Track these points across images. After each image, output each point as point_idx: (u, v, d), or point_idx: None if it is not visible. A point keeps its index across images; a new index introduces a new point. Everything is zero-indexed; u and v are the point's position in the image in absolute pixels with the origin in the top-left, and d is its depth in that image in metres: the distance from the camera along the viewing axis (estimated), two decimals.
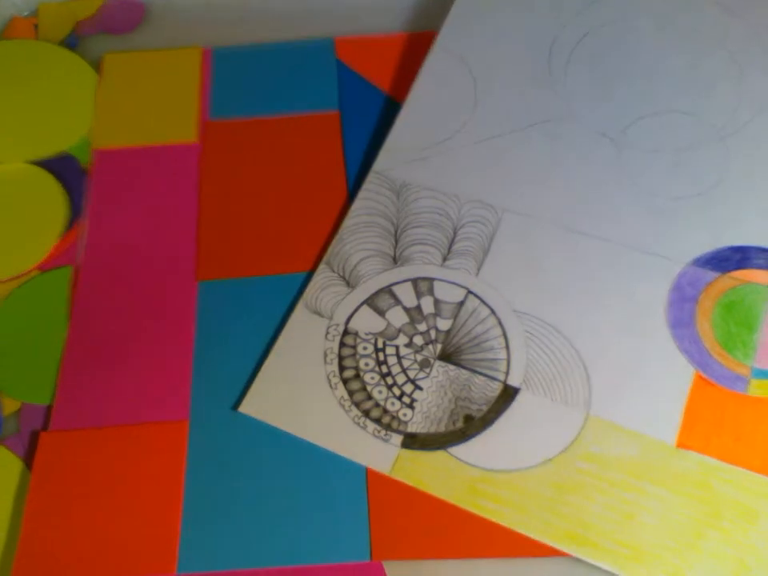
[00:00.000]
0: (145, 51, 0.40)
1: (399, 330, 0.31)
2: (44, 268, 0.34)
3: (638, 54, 0.37)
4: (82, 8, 0.42)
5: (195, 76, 0.39)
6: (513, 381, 0.30)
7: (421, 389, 0.30)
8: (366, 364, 0.31)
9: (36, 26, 0.41)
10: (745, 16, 0.37)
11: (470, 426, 0.29)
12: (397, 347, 0.31)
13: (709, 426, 0.29)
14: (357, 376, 0.30)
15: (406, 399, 0.30)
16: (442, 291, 0.32)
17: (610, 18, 0.38)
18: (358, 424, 0.29)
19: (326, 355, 0.31)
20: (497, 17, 0.38)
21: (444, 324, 0.31)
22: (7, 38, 0.41)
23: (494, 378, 0.30)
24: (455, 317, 0.31)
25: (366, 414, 0.30)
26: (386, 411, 0.30)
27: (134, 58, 0.40)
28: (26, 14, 0.42)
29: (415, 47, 0.38)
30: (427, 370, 0.30)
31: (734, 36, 0.37)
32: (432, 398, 0.30)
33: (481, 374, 0.30)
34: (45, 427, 0.30)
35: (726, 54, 0.36)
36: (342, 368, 0.31)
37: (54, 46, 0.40)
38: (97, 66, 0.40)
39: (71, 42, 0.41)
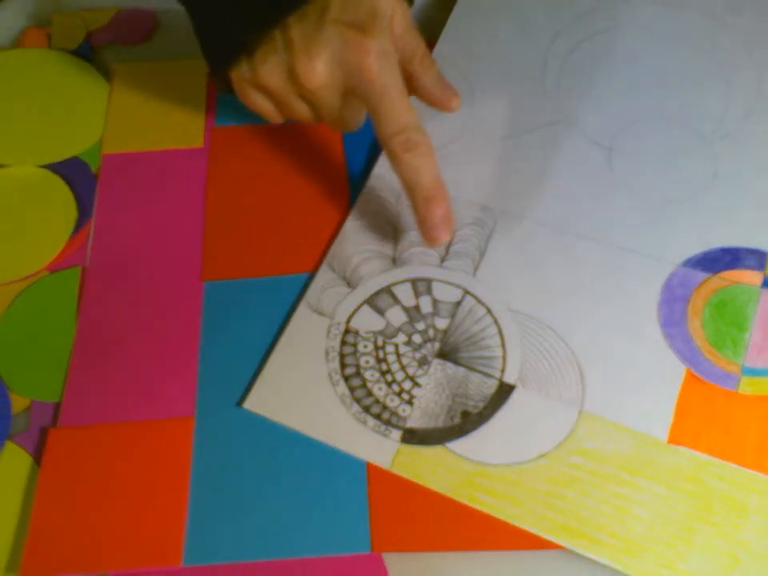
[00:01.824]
0: (154, 62, 0.41)
1: (398, 329, 0.32)
2: (53, 268, 0.35)
3: (629, 63, 0.37)
4: (95, 18, 0.42)
5: (202, 85, 0.39)
6: (508, 378, 0.30)
7: (419, 386, 0.31)
8: (367, 361, 0.31)
9: (49, 36, 0.42)
10: (732, 26, 0.38)
11: (467, 421, 0.30)
12: (396, 345, 0.31)
13: (700, 423, 0.29)
14: (357, 373, 0.31)
15: (405, 396, 0.30)
16: (440, 291, 0.33)
17: (602, 28, 0.39)
18: (359, 420, 0.30)
19: (327, 353, 0.31)
20: (492, 27, 0.39)
21: (442, 323, 0.32)
22: (21, 47, 0.42)
23: (490, 376, 0.31)
24: (453, 316, 0.32)
25: (367, 410, 0.30)
26: (385, 407, 0.30)
27: (144, 67, 0.40)
28: (39, 23, 0.43)
29: None
30: (425, 368, 0.31)
31: (722, 45, 0.37)
32: (430, 394, 0.30)
33: (477, 371, 0.31)
34: (54, 424, 0.31)
35: (714, 63, 0.37)
36: (343, 365, 0.31)
37: (67, 54, 0.41)
38: (108, 75, 0.40)
39: (83, 52, 0.41)
